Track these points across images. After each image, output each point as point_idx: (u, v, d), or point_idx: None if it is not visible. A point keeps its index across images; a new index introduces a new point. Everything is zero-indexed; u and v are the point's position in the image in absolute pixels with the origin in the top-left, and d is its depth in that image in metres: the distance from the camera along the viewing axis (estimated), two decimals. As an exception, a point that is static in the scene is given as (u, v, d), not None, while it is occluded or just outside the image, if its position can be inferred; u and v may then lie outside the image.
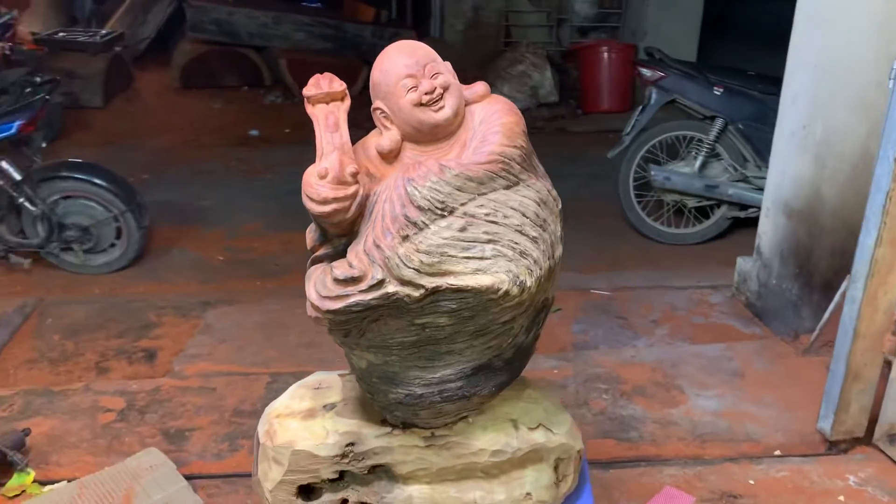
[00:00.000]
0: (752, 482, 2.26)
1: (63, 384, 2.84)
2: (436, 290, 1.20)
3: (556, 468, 1.49)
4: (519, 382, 1.57)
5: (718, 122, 4.61)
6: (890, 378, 2.37)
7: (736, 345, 3.08)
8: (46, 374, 3.09)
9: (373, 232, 1.23)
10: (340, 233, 1.31)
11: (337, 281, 1.21)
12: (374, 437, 1.40)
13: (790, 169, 3.30)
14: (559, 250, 1.34)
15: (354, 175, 1.25)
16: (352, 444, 1.39)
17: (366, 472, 1.42)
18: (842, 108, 2.94)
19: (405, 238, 1.20)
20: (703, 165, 4.70)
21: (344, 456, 1.39)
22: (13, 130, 3.89)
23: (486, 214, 1.24)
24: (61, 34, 7.27)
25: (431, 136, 1.32)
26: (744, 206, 4.55)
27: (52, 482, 2.20)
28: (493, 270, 1.21)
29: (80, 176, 4.07)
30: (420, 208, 1.21)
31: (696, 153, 4.72)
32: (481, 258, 1.21)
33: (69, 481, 2.19)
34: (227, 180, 5.63)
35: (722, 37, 8.35)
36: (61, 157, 4.85)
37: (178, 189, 5.37)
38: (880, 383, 2.37)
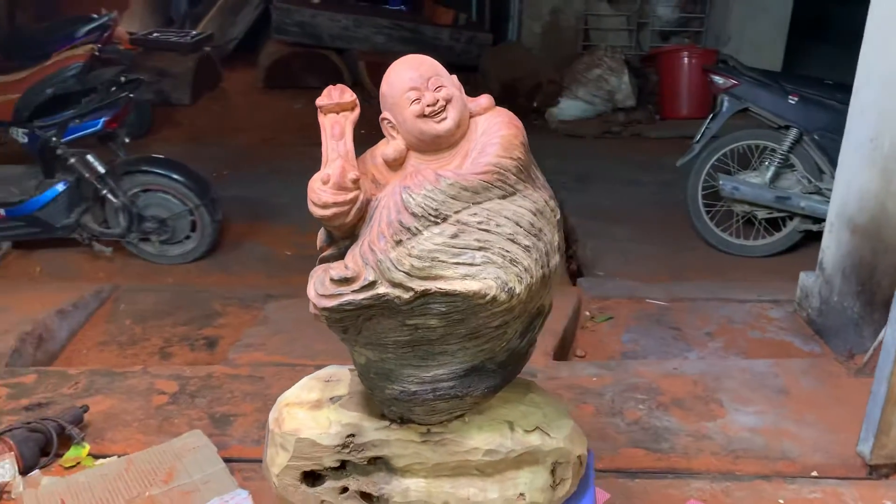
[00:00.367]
0: (781, 501, 2.22)
1: (128, 366, 3.03)
2: (425, 294, 1.26)
3: (553, 471, 1.53)
4: (522, 387, 1.60)
5: (793, 132, 4.49)
6: (935, 403, 2.28)
7: (785, 361, 3.00)
8: (115, 357, 3.30)
9: (369, 235, 1.30)
10: (343, 235, 1.39)
11: (333, 280, 1.29)
12: (373, 430, 1.47)
13: (856, 183, 3.19)
14: (555, 259, 1.37)
15: (355, 181, 1.32)
16: (352, 435, 1.47)
17: (366, 462, 1.49)
18: (910, 123, 2.84)
19: (398, 242, 1.27)
20: (776, 176, 4.58)
21: (345, 446, 1.47)
22: (99, 126, 4.16)
23: (479, 223, 1.29)
24: (155, 35, 7.68)
25: (434, 145, 1.38)
26: (817, 220, 4.41)
27: (105, 457, 2.37)
28: (481, 276, 1.26)
29: (158, 171, 4.32)
30: (414, 215, 1.28)
31: (769, 163, 4.61)
32: (471, 264, 1.27)
33: (119, 457, 2.35)
34: (302, 179, 5.80)
35: (815, 41, 8.00)
36: (150, 151, 5.15)
37: (256, 186, 5.59)
38: (924, 408, 2.28)
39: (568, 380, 2.83)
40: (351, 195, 1.32)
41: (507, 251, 1.29)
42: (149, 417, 2.58)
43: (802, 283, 3.58)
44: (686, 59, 7.09)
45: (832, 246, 3.36)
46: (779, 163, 4.51)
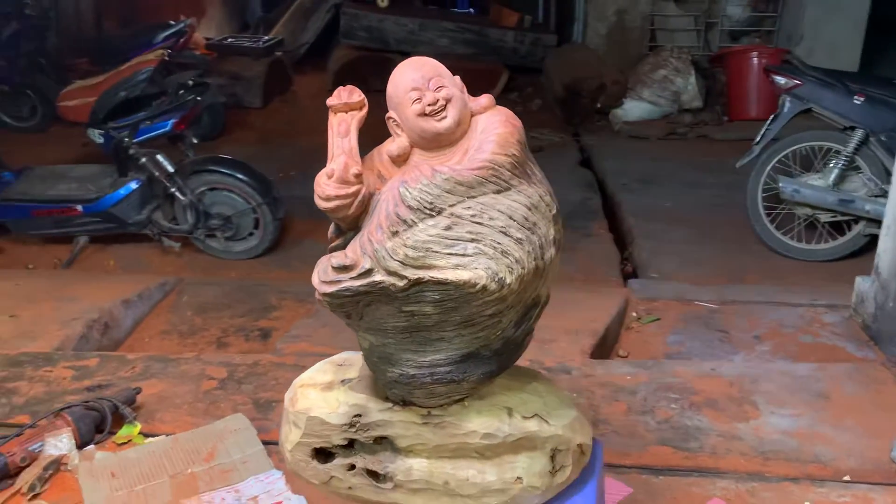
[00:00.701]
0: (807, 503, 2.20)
1: (185, 354, 3.21)
2: (419, 282, 1.34)
3: (553, 458, 1.58)
4: (527, 377, 1.66)
5: (858, 133, 4.37)
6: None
7: (829, 365, 2.94)
8: (174, 345, 3.50)
9: (369, 227, 1.39)
10: (349, 227, 1.49)
11: (333, 268, 1.38)
12: (377, 411, 1.56)
13: (911, 184, 3.11)
14: (550, 252, 1.42)
15: (357, 176, 1.41)
16: (359, 415, 1.56)
17: (372, 441, 1.58)
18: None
19: (395, 233, 1.35)
20: (841, 178, 4.46)
21: (352, 425, 1.56)
22: (168, 128, 4.41)
23: (472, 216, 1.36)
24: (229, 40, 8.01)
25: (435, 143, 1.46)
26: (883, 223, 4.28)
27: (154, 435, 2.54)
28: (472, 266, 1.33)
29: (224, 170, 4.53)
30: (410, 207, 1.35)
31: (833, 165, 4.49)
32: (463, 255, 1.34)
33: (167, 436, 2.51)
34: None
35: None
36: (220, 152, 5.39)
37: (321, 186, 5.76)
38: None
39: (602, 377, 2.85)
40: (353, 189, 1.41)
41: (499, 243, 1.35)
42: (197, 401, 2.74)
43: (858, 287, 3.50)
44: (755, 60, 6.94)
45: (888, 250, 3.28)
46: (843, 165, 4.39)
